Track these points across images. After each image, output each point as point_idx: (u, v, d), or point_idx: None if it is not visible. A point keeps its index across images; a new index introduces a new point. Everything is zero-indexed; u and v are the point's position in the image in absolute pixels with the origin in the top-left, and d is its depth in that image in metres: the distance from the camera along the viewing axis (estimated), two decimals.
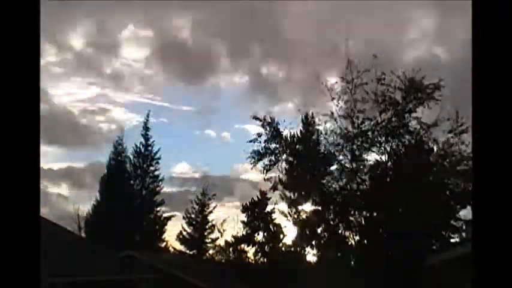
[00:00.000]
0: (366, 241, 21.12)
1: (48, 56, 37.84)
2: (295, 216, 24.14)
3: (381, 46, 23.21)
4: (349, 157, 20.79)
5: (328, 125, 21.06)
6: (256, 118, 21.53)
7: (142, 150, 32.31)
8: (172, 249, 32.02)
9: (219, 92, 48.13)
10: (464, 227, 18.95)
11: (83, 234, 30.36)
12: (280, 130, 21.51)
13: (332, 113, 20.63)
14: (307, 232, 22.64)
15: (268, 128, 21.34)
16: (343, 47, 20.82)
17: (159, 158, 32.59)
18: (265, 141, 21.39)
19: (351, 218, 21.18)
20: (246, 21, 39.29)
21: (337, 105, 20.45)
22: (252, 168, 21.94)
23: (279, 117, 22.11)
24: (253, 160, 21.48)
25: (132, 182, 31.78)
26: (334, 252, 22.34)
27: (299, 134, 22.70)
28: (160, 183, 32.40)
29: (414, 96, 19.51)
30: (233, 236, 30.46)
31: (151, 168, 32.41)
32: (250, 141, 21.50)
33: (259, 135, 21.39)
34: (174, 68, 47.96)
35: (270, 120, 21.47)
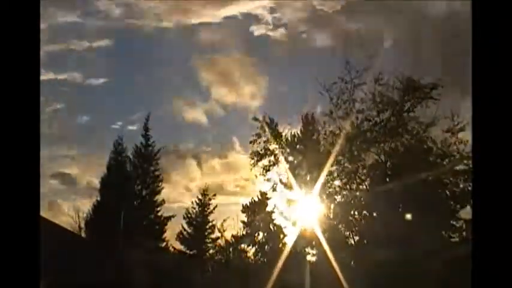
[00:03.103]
0: (365, 241, 21.12)
1: None
2: (295, 216, 24.17)
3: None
4: (348, 157, 20.81)
5: (327, 125, 21.15)
6: (255, 119, 21.75)
7: (143, 150, 32.35)
8: (172, 249, 32.05)
9: None
10: (464, 226, 18.96)
11: (83, 234, 30.40)
12: (280, 130, 21.69)
13: (331, 113, 20.68)
14: (307, 232, 22.66)
15: (267, 129, 21.48)
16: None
17: (159, 158, 32.64)
18: (264, 141, 21.57)
19: (351, 218, 21.19)
20: None
21: (336, 106, 20.49)
22: (251, 170, 22.06)
23: (278, 117, 22.25)
24: (252, 161, 21.68)
25: (132, 182, 31.80)
26: (334, 252, 22.32)
27: (298, 134, 22.81)
28: (161, 183, 32.43)
29: (412, 95, 19.57)
30: (233, 236, 30.50)
31: (152, 168, 32.44)
32: (250, 143, 21.73)
33: (259, 136, 21.58)
34: None
35: (269, 121, 21.65)
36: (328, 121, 20.98)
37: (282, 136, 21.82)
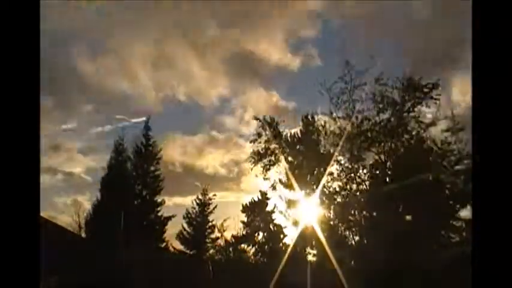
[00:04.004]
0: (365, 241, 21.13)
1: None
2: (295, 216, 24.18)
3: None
4: (348, 157, 20.81)
5: (327, 125, 21.17)
6: (256, 119, 21.85)
7: (143, 150, 32.34)
8: (172, 249, 32.05)
9: None
10: (464, 226, 18.95)
11: (83, 234, 30.40)
12: (280, 130, 21.75)
13: (331, 113, 20.70)
14: (307, 232, 22.66)
15: (268, 128, 21.54)
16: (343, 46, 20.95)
17: (159, 158, 32.66)
18: (265, 141, 21.62)
19: (351, 218, 21.20)
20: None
21: (336, 106, 20.50)
22: (251, 169, 22.07)
23: (279, 116, 22.33)
24: (253, 160, 21.71)
25: (132, 181, 31.78)
26: (334, 252, 22.33)
27: (299, 134, 22.81)
28: (161, 183, 32.43)
29: (412, 95, 19.57)
30: (233, 236, 30.51)
31: (152, 168, 32.45)
32: (251, 142, 21.79)
33: (260, 135, 21.63)
34: None
35: (269, 120, 21.71)
36: (328, 121, 21.02)
37: (282, 135, 21.88)
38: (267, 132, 21.61)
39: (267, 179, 22.24)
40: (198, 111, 42.32)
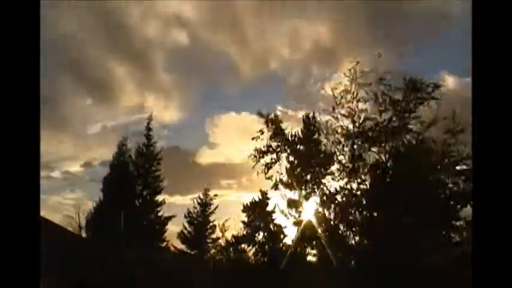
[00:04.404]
0: (366, 241, 21.08)
1: None
2: (296, 216, 24.12)
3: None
4: (349, 156, 20.77)
5: (329, 124, 21.10)
6: (260, 115, 21.64)
7: (144, 150, 32.43)
8: (173, 249, 32.08)
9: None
10: (464, 226, 18.92)
11: (83, 234, 30.46)
12: (283, 128, 21.59)
13: (334, 110, 20.65)
14: (307, 232, 22.62)
15: (271, 126, 21.38)
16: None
17: (160, 159, 32.72)
18: (268, 138, 21.42)
19: (351, 218, 21.15)
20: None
21: (339, 104, 20.45)
22: (253, 167, 21.91)
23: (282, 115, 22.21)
24: (254, 158, 21.54)
25: (134, 181, 31.85)
26: (334, 252, 22.33)
27: (300, 133, 22.73)
28: (161, 183, 32.50)
29: (414, 96, 19.53)
30: (234, 236, 30.48)
31: (153, 168, 32.52)
32: (253, 139, 21.55)
33: (262, 132, 21.44)
34: None
35: (273, 118, 21.53)
36: (330, 120, 20.96)
37: (285, 133, 21.73)
38: (270, 129, 21.41)
39: (269, 178, 22.08)
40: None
